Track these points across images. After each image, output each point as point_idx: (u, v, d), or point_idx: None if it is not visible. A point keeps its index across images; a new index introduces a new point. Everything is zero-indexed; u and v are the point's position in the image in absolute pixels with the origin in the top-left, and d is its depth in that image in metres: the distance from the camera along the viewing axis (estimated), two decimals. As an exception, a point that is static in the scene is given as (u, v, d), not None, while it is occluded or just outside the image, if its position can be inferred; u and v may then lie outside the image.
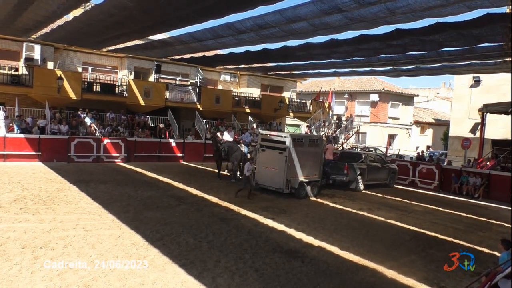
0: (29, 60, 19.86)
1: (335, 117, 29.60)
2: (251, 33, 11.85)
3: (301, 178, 13.49)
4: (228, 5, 9.50)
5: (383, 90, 35.53)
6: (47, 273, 5.85)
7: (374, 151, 23.38)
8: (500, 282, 4.82)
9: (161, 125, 21.30)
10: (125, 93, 22.39)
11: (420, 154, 24.10)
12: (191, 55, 18.81)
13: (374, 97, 35.53)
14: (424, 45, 11.97)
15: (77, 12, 12.66)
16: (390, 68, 17.13)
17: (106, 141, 18.36)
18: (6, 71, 19.49)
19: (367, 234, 9.77)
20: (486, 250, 9.18)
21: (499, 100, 21.97)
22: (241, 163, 16.92)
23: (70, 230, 7.94)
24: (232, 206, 11.32)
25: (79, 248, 6.93)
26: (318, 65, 18.08)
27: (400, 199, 15.21)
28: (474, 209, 14.59)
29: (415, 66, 16.10)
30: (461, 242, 9.61)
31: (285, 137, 13.53)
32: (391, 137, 36.57)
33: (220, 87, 28.27)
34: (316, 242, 8.58)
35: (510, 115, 19.50)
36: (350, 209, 12.47)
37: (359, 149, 25.00)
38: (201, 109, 24.34)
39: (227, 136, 18.71)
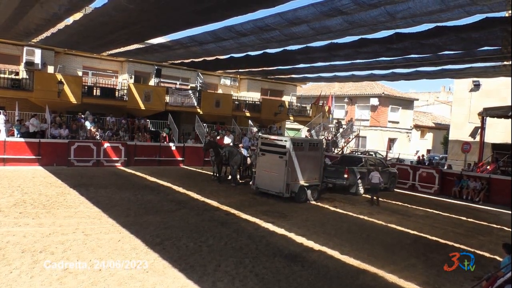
0: (29, 64, 19.89)
1: (335, 121, 29.62)
2: (252, 36, 11.87)
3: (301, 182, 13.47)
4: (229, 6, 9.49)
5: (383, 94, 35.57)
6: (46, 277, 5.83)
7: (374, 155, 23.36)
8: (507, 287, 4.81)
9: (164, 134, 21.25)
10: (125, 97, 22.43)
11: (421, 158, 24.09)
12: (191, 59, 18.85)
13: (374, 101, 35.57)
14: (423, 49, 12.01)
15: (77, 16, 12.69)
16: (390, 71, 17.16)
17: (106, 145, 18.36)
18: (6, 75, 19.52)
19: (367, 238, 9.74)
20: (487, 255, 9.15)
21: (499, 104, 21.99)
22: (241, 167, 16.93)
23: (70, 234, 7.92)
24: (233, 210, 11.30)
25: (78, 253, 6.91)
26: (318, 68, 18.11)
27: (400, 203, 15.18)
28: (475, 213, 14.55)
29: (415, 69, 16.14)
30: (462, 246, 9.58)
31: (285, 141, 13.51)
32: (391, 141, 36.56)
33: (220, 91, 28.31)
34: (316, 246, 8.55)
35: (510, 119, 19.50)
36: (350, 213, 12.45)
37: (359, 153, 24.98)
38: (201, 113, 24.36)
39: (227, 140, 18.71)
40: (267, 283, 6.38)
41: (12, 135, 16.92)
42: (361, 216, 12.14)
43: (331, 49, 13.10)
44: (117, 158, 18.68)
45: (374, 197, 14.21)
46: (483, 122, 21.16)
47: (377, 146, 31.79)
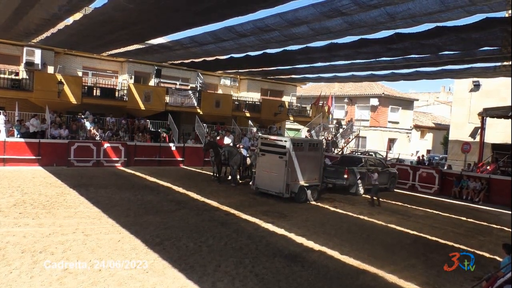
0: (29, 65, 19.88)
1: (335, 121, 29.62)
2: (252, 36, 11.87)
3: (301, 182, 13.46)
4: (228, 6, 9.49)
5: (383, 95, 35.57)
6: (46, 278, 5.83)
7: (374, 155, 23.36)
8: (507, 287, 4.81)
9: (164, 134, 21.25)
10: (125, 97, 22.42)
11: (421, 158, 24.09)
12: (191, 59, 18.84)
13: (374, 101, 35.57)
14: (423, 49, 12.01)
15: (77, 16, 12.70)
16: (390, 72, 17.16)
17: (106, 145, 18.35)
18: (6, 76, 19.51)
19: (367, 238, 9.74)
20: (487, 255, 9.16)
21: (499, 104, 21.99)
22: (241, 167, 16.92)
23: (70, 234, 7.92)
24: (232, 211, 11.29)
25: (78, 253, 6.91)
26: (318, 69, 18.11)
27: (400, 203, 15.18)
28: (475, 214, 14.56)
29: (415, 70, 16.14)
30: (462, 246, 9.58)
31: (285, 141, 13.51)
32: (391, 141, 36.56)
33: (220, 91, 28.31)
34: (316, 247, 8.55)
35: (510, 119, 19.51)
36: (350, 214, 12.45)
37: (359, 153, 24.99)
38: (201, 113, 24.36)
39: (227, 140, 18.71)
40: (267, 283, 6.38)
41: (12, 135, 16.92)
42: (361, 216, 12.14)
43: (331, 49, 13.10)
44: (117, 158, 18.68)
45: (375, 198, 14.22)
46: (483, 122, 21.16)
47: (377, 146, 31.79)
